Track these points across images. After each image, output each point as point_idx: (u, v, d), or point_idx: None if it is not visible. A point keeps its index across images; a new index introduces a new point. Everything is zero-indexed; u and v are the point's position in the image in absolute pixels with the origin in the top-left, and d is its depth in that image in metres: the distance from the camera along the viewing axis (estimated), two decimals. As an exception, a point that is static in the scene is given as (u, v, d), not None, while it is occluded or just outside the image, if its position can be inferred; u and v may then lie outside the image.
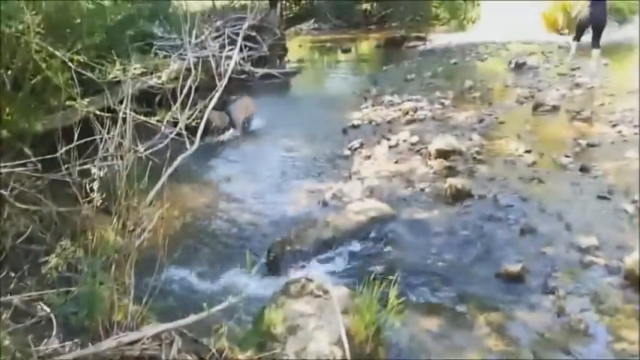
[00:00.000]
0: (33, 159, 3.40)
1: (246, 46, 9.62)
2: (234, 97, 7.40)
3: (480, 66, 9.67)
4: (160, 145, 3.98)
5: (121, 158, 2.94)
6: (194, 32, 7.79)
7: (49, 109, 4.12)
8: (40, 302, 2.45)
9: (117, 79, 3.96)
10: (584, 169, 4.77)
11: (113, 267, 2.53)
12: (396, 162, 5.41)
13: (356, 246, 3.96)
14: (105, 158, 3.30)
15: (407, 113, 6.80)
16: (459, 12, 14.17)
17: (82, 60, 3.67)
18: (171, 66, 6.83)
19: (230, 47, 8.77)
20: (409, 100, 7.37)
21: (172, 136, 4.16)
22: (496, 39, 11.36)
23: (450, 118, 6.59)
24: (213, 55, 8.18)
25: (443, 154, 5.26)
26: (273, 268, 3.76)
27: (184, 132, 4.14)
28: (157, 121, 4.14)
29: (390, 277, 2.77)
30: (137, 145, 3.43)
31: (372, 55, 13.01)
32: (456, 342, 2.90)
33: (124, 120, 3.15)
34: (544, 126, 6.14)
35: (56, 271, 2.61)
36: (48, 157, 3.32)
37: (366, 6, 16.34)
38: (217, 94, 5.11)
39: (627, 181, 4.46)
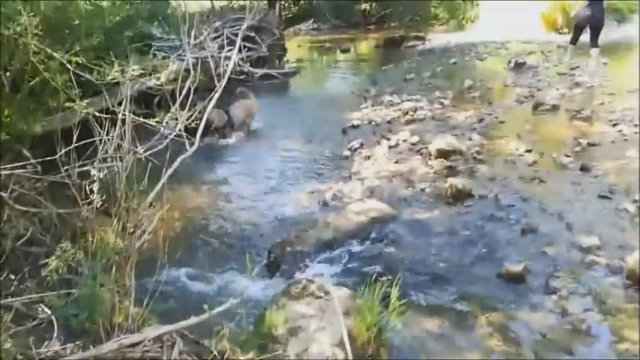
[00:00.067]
0: (32, 161, 3.39)
1: (245, 46, 9.62)
2: (243, 90, 7.35)
3: (480, 65, 9.67)
4: (160, 147, 3.97)
5: (121, 160, 2.93)
6: (193, 33, 7.77)
7: (47, 110, 4.11)
8: (41, 304, 2.44)
9: (116, 81, 3.95)
10: (584, 169, 4.77)
11: (114, 269, 2.52)
12: (396, 162, 5.40)
13: (356, 247, 3.95)
14: (104, 160, 3.29)
15: (406, 113, 6.80)
16: (458, 12, 14.17)
17: (80, 61, 3.65)
18: (170, 67, 6.82)
19: (229, 48, 8.77)
20: (409, 100, 7.37)
21: (172, 137, 4.15)
22: (495, 38, 11.37)
23: (449, 117, 6.59)
24: (212, 56, 8.16)
25: (443, 153, 5.26)
26: (274, 269, 3.75)
27: (184, 133, 4.13)
28: (157, 122, 4.13)
29: (391, 278, 2.76)
30: (136, 147, 3.42)
31: (371, 55, 13.01)
32: (458, 342, 2.89)
33: (123, 121, 3.14)
34: (544, 125, 6.14)
35: (56, 273, 2.60)
36: (47, 158, 3.31)
37: (365, 6, 16.35)
38: (217, 95, 5.10)
39: (628, 181, 4.46)
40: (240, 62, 9.13)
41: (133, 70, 3.93)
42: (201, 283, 3.67)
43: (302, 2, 16.45)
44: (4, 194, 3.09)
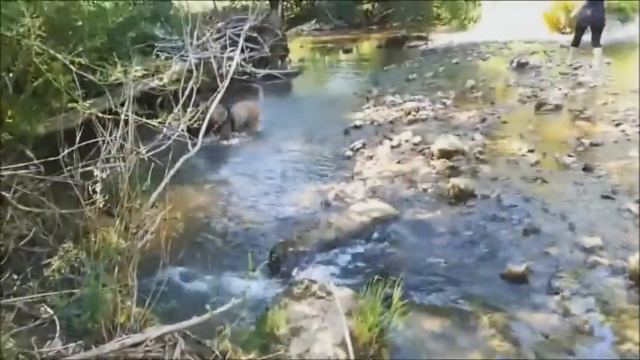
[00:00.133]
0: (35, 161, 3.41)
1: (247, 47, 9.64)
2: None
3: (482, 65, 9.65)
4: (163, 147, 3.98)
5: (123, 160, 2.94)
6: (195, 34, 7.81)
7: (50, 111, 4.13)
8: (43, 304, 2.45)
9: (118, 81, 3.96)
10: (587, 169, 4.76)
11: (116, 269, 2.53)
12: (398, 162, 5.40)
13: (359, 247, 3.95)
14: (107, 160, 3.30)
15: (409, 113, 6.79)
16: (460, 12, 14.15)
17: (83, 62, 3.67)
18: (172, 67, 6.85)
19: (231, 48, 8.80)
20: (411, 100, 7.36)
21: (174, 137, 4.16)
22: (498, 38, 11.34)
23: (452, 117, 6.58)
24: (215, 57, 8.21)
25: (445, 154, 5.25)
26: (276, 269, 3.75)
27: (186, 133, 4.15)
28: (159, 122, 4.14)
29: (394, 278, 2.76)
30: (139, 147, 3.43)
31: (374, 55, 13.00)
32: (460, 343, 2.89)
33: (126, 122, 3.15)
34: (547, 125, 6.12)
35: (59, 273, 2.61)
36: (50, 159, 3.32)
37: (367, 6, 16.35)
38: (219, 95, 5.11)
39: (631, 181, 4.44)
40: (243, 63, 9.14)
41: (136, 71, 3.95)
42: (201, 282, 3.68)
43: (304, 3, 16.46)
44: (7, 194, 3.10)
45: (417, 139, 5.82)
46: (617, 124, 5.70)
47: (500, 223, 4.06)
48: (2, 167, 3.15)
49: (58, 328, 2.28)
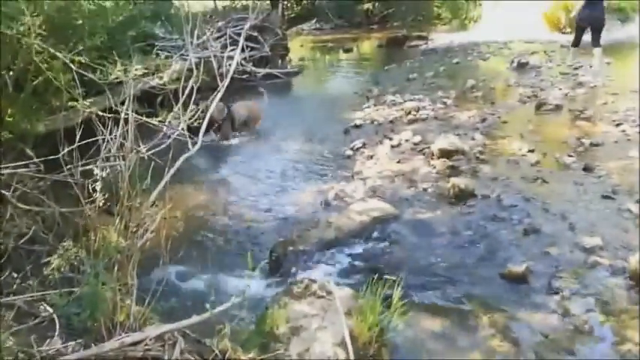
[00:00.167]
0: (35, 160, 3.40)
1: (247, 46, 9.63)
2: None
3: (482, 65, 9.65)
4: (163, 146, 3.97)
5: (123, 159, 2.94)
6: (196, 33, 7.81)
7: (50, 110, 4.13)
8: (43, 303, 2.45)
9: (119, 80, 3.96)
10: (587, 169, 4.75)
11: (116, 268, 2.53)
12: (398, 162, 5.39)
13: (359, 246, 3.94)
14: (107, 159, 3.30)
15: (409, 113, 6.79)
16: (460, 11, 14.15)
17: (83, 61, 3.67)
18: (172, 66, 6.85)
19: (232, 47, 8.79)
20: (411, 100, 7.36)
21: (174, 136, 4.16)
22: (498, 38, 11.34)
23: (452, 117, 6.58)
24: (215, 56, 8.20)
25: (446, 153, 5.25)
26: (276, 268, 3.75)
27: (186, 132, 4.14)
28: (159, 121, 4.14)
29: (393, 278, 2.76)
30: (139, 146, 3.43)
31: (374, 54, 13.00)
32: (460, 343, 2.89)
33: (126, 121, 3.15)
34: (547, 125, 6.12)
35: (58, 271, 2.61)
36: (50, 157, 3.32)
37: (367, 6, 16.33)
38: (219, 95, 5.11)
39: (631, 181, 4.44)
40: (243, 62, 9.14)
41: (136, 70, 3.95)
42: (198, 281, 3.67)
43: (305, 2, 16.45)
44: (7, 193, 3.10)
45: (418, 138, 5.82)
46: (618, 124, 5.70)
47: (501, 223, 4.05)
48: (2, 165, 3.14)
49: (57, 326, 2.28)
